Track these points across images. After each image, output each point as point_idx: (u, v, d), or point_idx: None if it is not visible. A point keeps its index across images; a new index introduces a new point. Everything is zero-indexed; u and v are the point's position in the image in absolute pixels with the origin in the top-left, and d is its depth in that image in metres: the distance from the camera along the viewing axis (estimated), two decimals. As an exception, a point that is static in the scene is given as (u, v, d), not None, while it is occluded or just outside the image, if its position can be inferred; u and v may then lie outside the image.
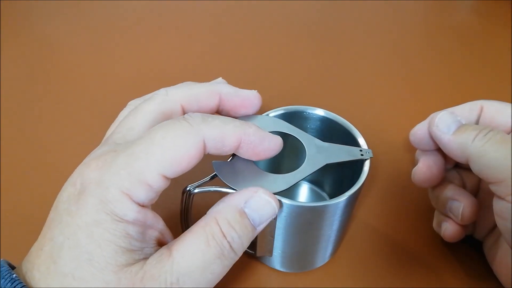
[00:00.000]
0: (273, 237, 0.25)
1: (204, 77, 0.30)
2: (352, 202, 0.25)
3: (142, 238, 0.20)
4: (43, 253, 0.19)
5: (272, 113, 0.28)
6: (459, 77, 0.47)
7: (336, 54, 0.50)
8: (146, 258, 0.19)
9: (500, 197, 0.23)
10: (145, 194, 0.19)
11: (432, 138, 0.26)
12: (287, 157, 0.30)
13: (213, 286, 0.20)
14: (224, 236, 0.20)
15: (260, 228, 0.22)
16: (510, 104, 0.27)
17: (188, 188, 0.24)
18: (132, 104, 0.25)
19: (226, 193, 0.23)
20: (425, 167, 0.28)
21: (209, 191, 0.24)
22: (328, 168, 0.24)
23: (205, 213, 0.21)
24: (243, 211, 0.21)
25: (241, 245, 0.21)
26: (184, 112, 0.24)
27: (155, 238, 0.21)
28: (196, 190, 0.24)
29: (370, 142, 0.27)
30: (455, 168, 0.29)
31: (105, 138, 0.24)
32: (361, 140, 0.27)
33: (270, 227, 0.23)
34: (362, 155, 0.25)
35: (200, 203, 0.25)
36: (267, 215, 0.22)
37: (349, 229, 0.31)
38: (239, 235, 0.20)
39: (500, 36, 0.54)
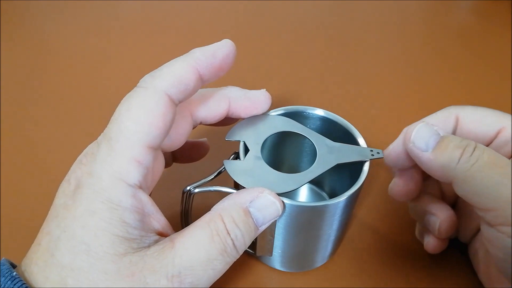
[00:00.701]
0: (273, 236, 0.25)
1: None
2: (352, 202, 0.25)
3: (140, 226, 0.19)
4: (41, 248, 0.19)
5: (272, 113, 0.28)
6: (459, 77, 0.47)
7: (336, 54, 0.50)
8: (146, 248, 0.19)
9: (489, 225, 0.21)
10: (136, 171, 0.19)
11: (409, 155, 0.23)
12: (290, 156, 0.30)
13: (212, 283, 0.20)
14: (228, 233, 0.20)
15: (262, 228, 0.22)
16: (485, 108, 0.25)
17: (188, 188, 0.24)
18: None
19: (227, 193, 0.23)
20: (402, 182, 0.26)
21: (209, 191, 0.24)
22: (329, 168, 0.24)
23: (205, 213, 0.21)
24: (248, 210, 0.21)
25: (244, 244, 0.21)
26: (191, 119, 0.24)
27: (154, 229, 0.20)
28: (196, 190, 0.24)
29: (370, 142, 0.27)
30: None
31: None
32: (361, 140, 0.26)
33: (270, 226, 0.24)
34: (373, 155, 0.25)
35: (200, 203, 0.25)
36: (270, 216, 0.22)
37: (349, 229, 0.31)
38: (242, 234, 0.21)
39: (500, 36, 0.54)
